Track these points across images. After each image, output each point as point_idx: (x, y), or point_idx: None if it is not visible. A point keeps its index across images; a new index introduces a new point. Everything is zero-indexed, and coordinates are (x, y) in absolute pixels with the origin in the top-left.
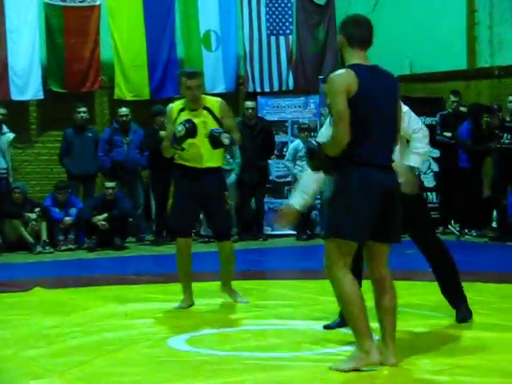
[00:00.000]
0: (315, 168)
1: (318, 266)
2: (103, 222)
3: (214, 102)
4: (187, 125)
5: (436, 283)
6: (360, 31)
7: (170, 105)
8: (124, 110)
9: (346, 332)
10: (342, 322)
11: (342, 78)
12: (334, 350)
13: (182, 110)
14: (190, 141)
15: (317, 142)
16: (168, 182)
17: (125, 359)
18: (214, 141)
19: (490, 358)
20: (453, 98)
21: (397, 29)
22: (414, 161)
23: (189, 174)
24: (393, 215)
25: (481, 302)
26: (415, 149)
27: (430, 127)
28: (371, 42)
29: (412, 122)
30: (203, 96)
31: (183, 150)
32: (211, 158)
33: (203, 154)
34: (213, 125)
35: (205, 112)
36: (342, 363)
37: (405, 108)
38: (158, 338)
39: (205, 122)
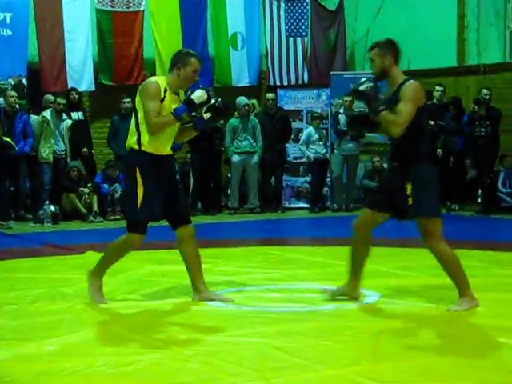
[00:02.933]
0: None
1: (327, 234)
2: None
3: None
4: (208, 91)
5: None
6: (399, 51)
7: (154, 79)
8: None
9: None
10: None
11: (421, 90)
12: (343, 306)
13: (165, 90)
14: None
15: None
16: (205, 162)
17: (164, 312)
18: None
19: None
20: (438, 89)
21: (397, 31)
22: None
23: (158, 161)
24: None
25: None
26: None
27: None
28: None
29: None
30: None
31: (191, 120)
32: (171, 144)
33: (170, 140)
34: None
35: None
36: (458, 306)
37: None
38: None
39: None
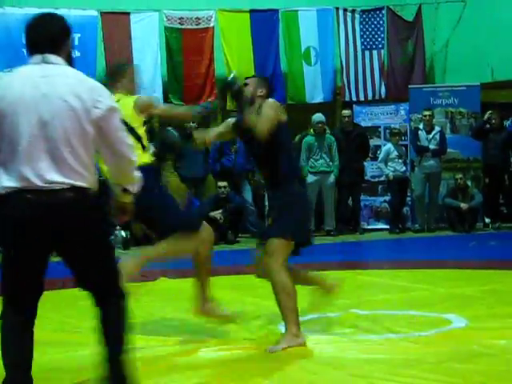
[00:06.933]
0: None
1: (409, 256)
2: (220, 216)
3: None
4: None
5: None
6: (272, 90)
7: None
8: None
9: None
10: None
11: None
12: (426, 333)
13: None
14: None
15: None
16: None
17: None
18: None
19: None
20: None
21: (479, 40)
22: None
23: None
24: None
25: None
26: None
27: None
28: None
29: None
30: None
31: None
32: None
33: None
34: None
35: None
36: (276, 346)
37: None
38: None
39: None
